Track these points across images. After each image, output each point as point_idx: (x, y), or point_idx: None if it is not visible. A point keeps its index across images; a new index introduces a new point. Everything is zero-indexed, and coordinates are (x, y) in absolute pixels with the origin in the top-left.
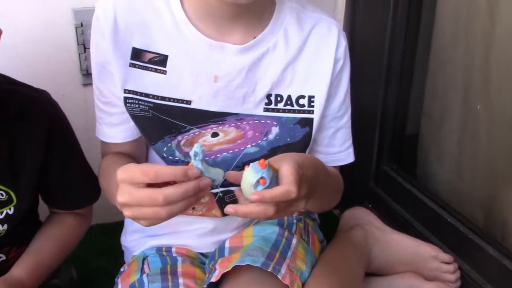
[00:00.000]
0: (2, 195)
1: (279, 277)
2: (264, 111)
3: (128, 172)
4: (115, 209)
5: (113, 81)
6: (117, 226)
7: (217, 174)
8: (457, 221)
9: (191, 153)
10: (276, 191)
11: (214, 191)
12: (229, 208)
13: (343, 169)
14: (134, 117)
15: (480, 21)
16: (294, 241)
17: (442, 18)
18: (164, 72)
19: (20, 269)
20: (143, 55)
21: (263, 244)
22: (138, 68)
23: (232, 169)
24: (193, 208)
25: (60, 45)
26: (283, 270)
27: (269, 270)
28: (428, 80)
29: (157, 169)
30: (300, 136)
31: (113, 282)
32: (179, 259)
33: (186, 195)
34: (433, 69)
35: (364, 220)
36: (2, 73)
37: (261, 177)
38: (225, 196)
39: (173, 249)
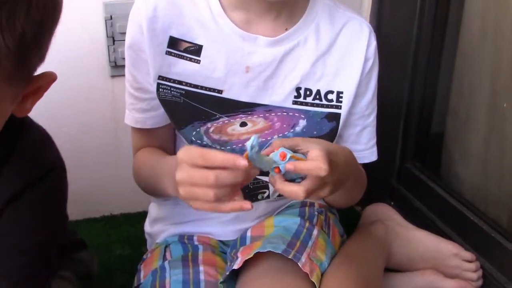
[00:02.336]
0: None
1: (299, 264)
2: (293, 103)
3: (188, 153)
4: (139, 199)
5: (147, 68)
6: (141, 216)
7: (268, 164)
8: (480, 220)
9: (248, 144)
10: (308, 164)
11: None
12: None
13: (365, 165)
14: (165, 102)
15: (508, 19)
16: (315, 232)
17: (470, 16)
18: (198, 62)
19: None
20: (179, 44)
21: (284, 233)
22: (174, 56)
23: None
24: None
25: (90, 37)
26: (303, 258)
27: (289, 257)
28: (455, 78)
29: (212, 153)
30: (326, 130)
31: (135, 269)
32: (201, 247)
33: (235, 180)
34: (460, 66)
35: (385, 216)
36: None
37: (277, 167)
38: (250, 183)
39: (195, 237)
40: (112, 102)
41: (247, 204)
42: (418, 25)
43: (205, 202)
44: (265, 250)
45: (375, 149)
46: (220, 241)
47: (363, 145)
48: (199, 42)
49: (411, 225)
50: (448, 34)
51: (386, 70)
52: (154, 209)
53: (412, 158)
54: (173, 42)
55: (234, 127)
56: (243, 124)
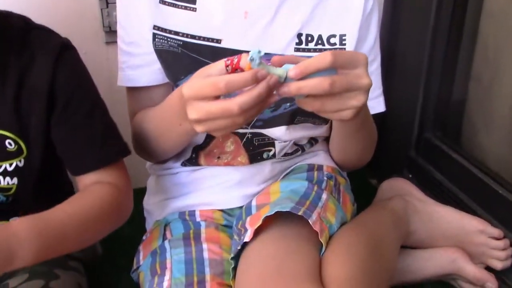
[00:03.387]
0: (10, 144)
1: (310, 222)
2: (295, 51)
3: (194, 87)
4: (138, 174)
5: (140, 19)
6: (140, 193)
7: (281, 71)
8: (508, 192)
9: (247, 59)
10: (312, 59)
11: (241, 131)
12: (283, 88)
13: (380, 135)
14: (161, 53)
15: None
16: (324, 196)
17: None
18: (194, 10)
19: (21, 221)
20: None
21: (291, 195)
22: (168, 5)
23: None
24: (218, 158)
25: (82, 0)
26: (314, 216)
27: (299, 214)
28: (479, 41)
29: (228, 78)
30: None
31: (134, 249)
32: (203, 224)
33: (260, 99)
34: (485, 27)
35: (404, 190)
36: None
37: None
38: (254, 139)
39: (197, 213)
40: (107, 69)
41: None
42: None
43: (235, 128)
44: (273, 212)
45: (381, 99)
46: (224, 212)
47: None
48: None
49: (431, 200)
50: None
51: (405, 30)
52: (152, 183)
53: (431, 127)
54: None
55: None
56: None
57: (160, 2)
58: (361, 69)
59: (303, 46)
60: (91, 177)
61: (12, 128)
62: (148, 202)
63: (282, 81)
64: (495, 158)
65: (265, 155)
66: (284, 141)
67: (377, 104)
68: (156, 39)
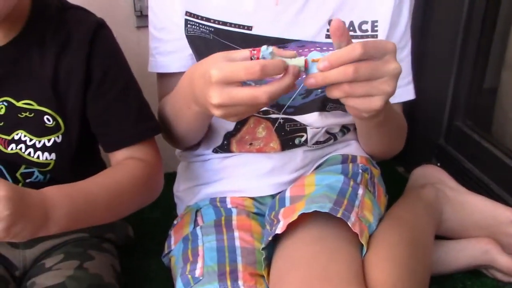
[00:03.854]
0: (49, 120)
1: (349, 224)
2: (326, 37)
3: (225, 70)
4: (167, 159)
5: (171, 5)
6: (170, 177)
7: (299, 62)
8: None
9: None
10: (341, 50)
11: (274, 116)
12: (309, 79)
13: (409, 122)
14: (193, 39)
15: None
16: (361, 191)
17: None
18: None
19: (52, 187)
20: None
21: (328, 191)
22: None
23: (294, 97)
24: (250, 144)
25: None
26: (353, 217)
27: (338, 216)
28: None
29: (263, 63)
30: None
31: (166, 234)
32: (234, 210)
33: (288, 90)
34: None
35: (436, 179)
36: None
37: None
38: (286, 124)
39: (228, 200)
40: (138, 54)
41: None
42: None
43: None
44: (310, 211)
45: (411, 87)
46: (255, 200)
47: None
48: None
49: (464, 189)
50: None
51: (438, 17)
52: (182, 169)
53: (462, 115)
54: None
55: None
56: None
57: None
58: (389, 55)
59: None
60: (124, 153)
61: (51, 105)
62: (179, 188)
63: (303, 70)
64: None
65: (297, 141)
66: (316, 128)
67: (406, 92)
68: (188, 25)
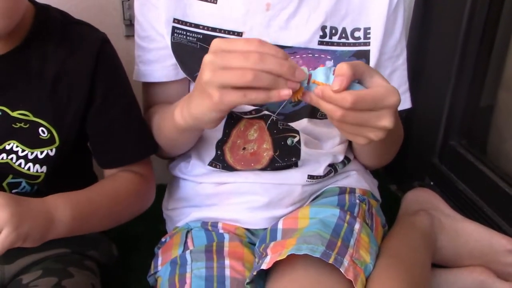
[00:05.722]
0: (43, 132)
1: (342, 270)
2: (319, 44)
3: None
4: (156, 171)
5: (155, 13)
6: (158, 190)
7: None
8: None
9: None
10: (335, 95)
11: (267, 113)
12: (306, 96)
13: (403, 139)
14: (178, 46)
15: None
16: (357, 226)
17: None
18: (214, 2)
19: (52, 195)
20: None
21: (322, 229)
22: None
23: (285, 105)
24: (244, 149)
25: None
26: (346, 262)
27: (330, 262)
28: (511, 48)
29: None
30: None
31: (152, 251)
32: (227, 236)
33: (279, 65)
34: None
35: (430, 204)
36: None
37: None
38: (279, 122)
39: (220, 225)
40: (127, 63)
41: (284, 90)
42: None
43: (234, 91)
44: (301, 253)
45: (408, 95)
46: (248, 230)
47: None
48: None
49: (459, 215)
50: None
51: (435, 33)
52: (174, 188)
53: (457, 135)
54: None
55: None
56: None
57: None
58: (386, 111)
59: (326, 39)
60: (119, 168)
61: (47, 117)
62: (168, 206)
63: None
64: None
65: (289, 141)
66: (307, 134)
67: (403, 101)
68: (175, 33)
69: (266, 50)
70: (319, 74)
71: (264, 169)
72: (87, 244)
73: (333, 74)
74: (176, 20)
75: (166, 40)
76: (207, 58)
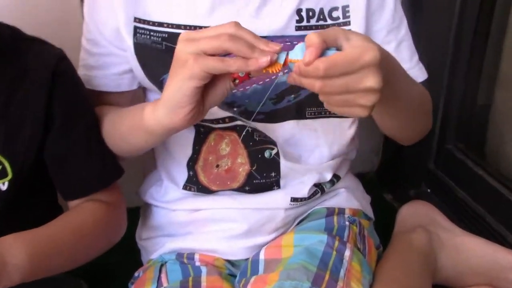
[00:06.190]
0: None
1: None
2: (296, 30)
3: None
4: (125, 191)
5: (105, 16)
6: (130, 214)
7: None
8: None
9: None
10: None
11: (241, 123)
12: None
13: (397, 145)
14: (141, 47)
15: None
16: (348, 253)
17: None
18: None
19: (8, 236)
20: None
21: (307, 259)
22: None
23: (264, 102)
24: (217, 166)
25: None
26: None
27: None
28: (507, 43)
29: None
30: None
31: (125, 283)
32: (204, 270)
33: (254, 37)
34: None
35: (427, 218)
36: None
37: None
38: (255, 133)
39: (196, 257)
40: None
41: (262, 57)
42: None
43: (211, 56)
44: None
45: (421, 65)
46: (228, 260)
47: (407, 63)
48: None
49: (458, 229)
50: None
51: (426, 31)
52: (146, 215)
53: (453, 138)
54: None
55: None
56: None
57: None
58: (366, 70)
59: (304, 23)
60: (85, 198)
61: None
62: (141, 236)
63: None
64: None
65: (267, 154)
66: (290, 139)
67: (420, 72)
68: (138, 34)
69: (238, 32)
70: (295, 52)
71: (242, 188)
72: (48, 286)
73: None
74: (137, 19)
75: (127, 42)
76: (181, 35)
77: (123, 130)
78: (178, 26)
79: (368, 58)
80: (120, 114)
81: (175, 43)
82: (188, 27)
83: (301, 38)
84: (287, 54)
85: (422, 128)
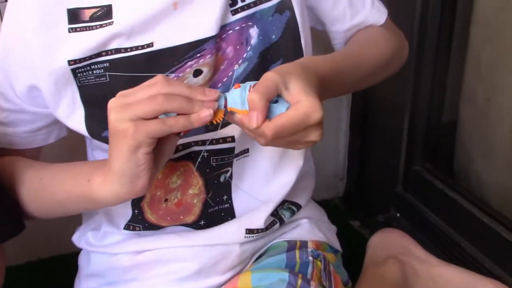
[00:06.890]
0: None
1: None
2: (233, 14)
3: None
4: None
5: (17, 68)
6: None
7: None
8: None
9: None
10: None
11: (197, 149)
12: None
13: (362, 168)
14: (87, 90)
15: None
16: None
17: None
18: (111, 24)
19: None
20: (81, 14)
21: None
22: (80, 31)
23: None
24: (166, 201)
25: None
26: None
27: None
28: (470, 57)
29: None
30: (283, 27)
31: None
32: None
33: (187, 93)
34: (476, 42)
35: (399, 247)
36: None
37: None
38: (212, 158)
39: None
40: None
41: (204, 111)
42: None
43: (150, 120)
44: None
45: (377, 4)
46: None
47: (362, 12)
48: (105, 2)
49: (434, 259)
50: (460, 5)
51: None
52: (83, 262)
53: (420, 158)
54: (74, 15)
55: (187, 81)
56: (197, 73)
57: (70, 31)
58: (310, 128)
59: (239, 4)
60: None
61: None
62: (80, 286)
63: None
64: (496, 190)
65: (222, 178)
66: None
67: (378, 15)
68: (78, 75)
69: (172, 89)
70: (234, 98)
71: (196, 223)
72: None
73: (250, 90)
74: (72, 62)
75: (68, 92)
76: (110, 103)
77: (60, 197)
78: (118, 50)
79: (313, 120)
80: (51, 175)
81: (117, 70)
82: (129, 48)
83: (242, 22)
84: (225, 99)
85: (392, 70)
